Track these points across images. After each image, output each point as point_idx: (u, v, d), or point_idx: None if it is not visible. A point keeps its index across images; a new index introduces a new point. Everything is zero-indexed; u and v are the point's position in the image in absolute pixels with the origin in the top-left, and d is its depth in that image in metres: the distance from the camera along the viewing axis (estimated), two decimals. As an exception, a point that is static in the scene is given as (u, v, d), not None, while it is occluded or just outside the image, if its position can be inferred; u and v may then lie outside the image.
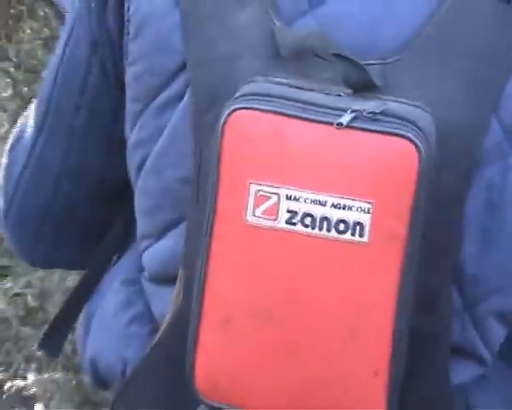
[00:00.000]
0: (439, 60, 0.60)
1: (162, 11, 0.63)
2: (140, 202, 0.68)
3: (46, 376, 1.50)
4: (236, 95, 0.55)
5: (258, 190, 0.54)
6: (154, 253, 0.68)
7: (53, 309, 1.61)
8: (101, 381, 0.76)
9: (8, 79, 1.58)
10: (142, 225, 0.69)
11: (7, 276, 1.67)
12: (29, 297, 1.65)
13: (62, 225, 0.78)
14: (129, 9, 0.64)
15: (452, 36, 0.60)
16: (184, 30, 0.62)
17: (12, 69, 1.56)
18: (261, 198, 0.54)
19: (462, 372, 0.65)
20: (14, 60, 1.59)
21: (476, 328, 0.64)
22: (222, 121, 0.53)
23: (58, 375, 1.51)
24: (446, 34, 0.60)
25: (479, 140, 0.59)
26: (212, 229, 0.55)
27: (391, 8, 0.60)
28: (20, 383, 1.54)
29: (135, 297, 0.73)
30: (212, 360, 0.58)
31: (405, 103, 0.55)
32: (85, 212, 0.77)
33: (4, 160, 0.79)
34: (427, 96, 0.57)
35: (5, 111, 1.60)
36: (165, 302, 0.66)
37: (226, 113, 0.53)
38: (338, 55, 0.56)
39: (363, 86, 0.56)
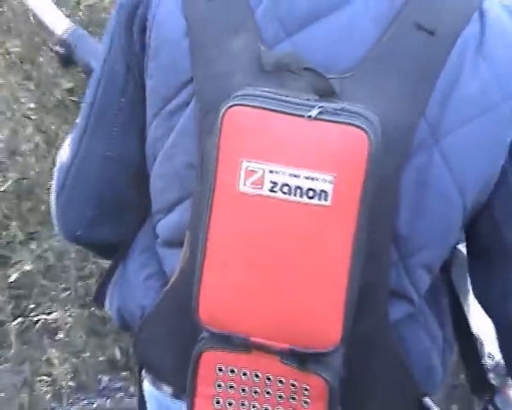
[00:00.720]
0: (382, 76, 0.70)
1: (175, 38, 0.74)
2: (154, 184, 0.79)
3: (67, 313, 2.01)
4: (231, 97, 0.65)
5: (248, 166, 0.64)
6: (166, 223, 0.78)
7: (69, 264, 2.07)
8: (125, 325, 0.88)
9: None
10: (156, 202, 0.79)
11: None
12: (50, 257, 2.14)
13: (103, 207, 0.87)
14: (150, 37, 0.76)
15: (392, 58, 0.70)
16: (192, 53, 0.73)
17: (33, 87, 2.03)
18: (250, 172, 0.64)
19: (397, 310, 0.75)
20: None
21: (408, 276, 0.74)
22: (221, 115, 0.64)
23: (75, 312, 2.01)
24: (387, 57, 0.70)
25: (411, 135, 0.69)
26: (212, 198, 0.65)
27: (348, 35, 0.71)
28: (47, 317, 2.02)
29: (149, 261, 0.84)
30: (211, 296, 0.68)
31: (358, 106, 0.65)
32: (123, 194, 0.86)
33: (61, 155, 0.89)
34: (373, 102, 0.67)
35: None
36: (175, 261, 0.77)
37: (224, 108, 0.64)
38: (307, 70, 0.66)
39: (326, 93, 0.66)
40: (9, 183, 2.07)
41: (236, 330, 0.68)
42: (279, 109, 0.64)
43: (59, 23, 1.18)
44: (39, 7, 1.20)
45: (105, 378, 2.32)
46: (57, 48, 1.13)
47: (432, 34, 0.71)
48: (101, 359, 2.03)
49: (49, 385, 2.07)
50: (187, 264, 0.73)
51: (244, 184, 0.65)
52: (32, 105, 2.02)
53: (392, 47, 0.70)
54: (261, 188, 0.64)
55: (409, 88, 0.70)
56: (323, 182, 0.64)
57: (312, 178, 0.64)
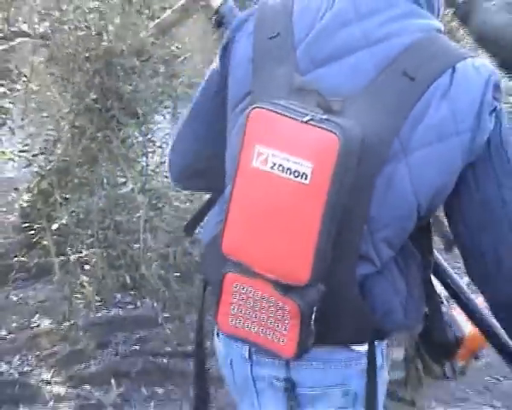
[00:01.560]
0: (372, 103, 0.91)
1: (243, 63, 1.03)
2: (228, 165, 1.06)
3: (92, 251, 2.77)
4: (260, 103, 0.89)
5: (259, 150, 0.87)
6: (227, 190, 1.03)
7: (92, 219, 2.76)
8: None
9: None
10: (226, 175, 1.07)
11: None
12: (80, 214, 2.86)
13: (199, 169, 1.19)
14: (229, 62, 1.07)
15: (381, 92, 0.92)
16: (253, 75, 1.00)
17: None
18: (259, 154, 0.87)
19: (363, 269, 0.95)
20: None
21: (373, 246, 0.95)
22: (247, 113, 0.89)
23: (97, 252, 2.73)
24: (378, 91, 0.92)
25: (387, 148, 0.90)
26: (237, 170, 0.90)
27: (354, 73, 0.94)
28: (79, 255, 2.75)
29: (222, 208, 1.01)
30: (230, 236, 0.92)
31: (341, 119, 0.86)
32: (211, 162, 1.14)
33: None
34: (362, 121, 0.89)
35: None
36: None
37: (250, 109, 0.89)
38: (318, 94, 0.90)
39: (327, 110, 0.88)
40: (52, 164, 2.82)
41: (245, 260, 0.91)
42: (285, 114, 0.87)
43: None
44: None
45: (118, 296, 3.15)
46: (213, 16, 1.35)
47: (412, 80, 0.91)
48: (115, 282, 2.78)
49: (81, 300, 2.75)
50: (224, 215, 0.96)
51: (255, 162, 0.88)
52: (68, 109, 2.77)
53: (383, 85, 0.92)
54: (265, 165, 0.87)
55: (389, 115, 0.90)
56: (305, 167, 0.85)
57: (298, 163, 0.85)
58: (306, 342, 0.94)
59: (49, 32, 2.71)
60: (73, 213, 2.85)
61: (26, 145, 2.83)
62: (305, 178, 0.86)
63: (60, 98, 2.79)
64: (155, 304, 2.91)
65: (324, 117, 0.87)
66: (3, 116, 2.91)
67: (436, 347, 1.27)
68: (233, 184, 0.92)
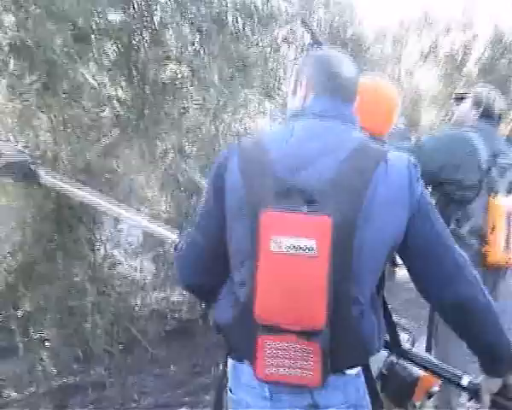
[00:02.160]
0: (338, 193, 1.24)
1: (237, 186, 1.33)
2: (236, 255, 1.36)
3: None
4: (264, 207, 1.23)
5: (274, 238, 1.22)
6: (238, 275, 1.35)
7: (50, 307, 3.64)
8: (218, 328, 1.41)
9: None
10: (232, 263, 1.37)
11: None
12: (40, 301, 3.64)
13: (206, 269, 1.45)
14: (224, 185, 1.35)
15: (342, 185, 1.25)
16: (245, 190, 1.30)
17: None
18: (275, 241, 1.22)
19: (354, 308, 1.28)
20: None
21: (360, 291, 1.29)
22: (260, 214, 1.23)
23: (54, 331, 3.51)
24: (339, 184, 1.26)
25: (355, 220, 1.23)
26: (258, 256, 1.23)
27: (319, 176, 1.27)
28: (40, 334, 3.52)
29: (230, 295, 1.38)
30: (261, 305, 1.25)
31: (327, 207, 1.21)
32: (217, 261, 1.41)
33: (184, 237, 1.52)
34: (336, 205, 1.22)
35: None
36: (243, 292, 1.32)
37: (261, 211, 1.24)
38: (301, 192, 1.24)
39: (311, 201, 1.23)
40: (18, 262, 3.56)
41: (275, 321, 1.25)
42: (288, 210, 1.23)
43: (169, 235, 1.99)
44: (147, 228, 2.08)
45: (74, 366, 3.78)
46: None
47: (360, 173, 1.29)
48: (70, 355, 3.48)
49: (41, 371, 3.48)
50: (248, 293, 1.29)
51: (273, 247, 1.22)
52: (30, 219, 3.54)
53: (342, 179, 1.26)
54: (281, 248, 1.22)
55: (352, 198, 1.25)
56: (311, 243, 1.19)
57: (306, 242, 1.20)
58: (326, 372, 1.27)
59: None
60: (35, 302, 3.50)
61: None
62: (313, 251, 1.21)
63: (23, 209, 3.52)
64: (103, 371, 3.59)
65: (314, 206, 1.22)
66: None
67: (396, 390, 1.55)
68: (256, 266, 1.25)
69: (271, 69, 3.84)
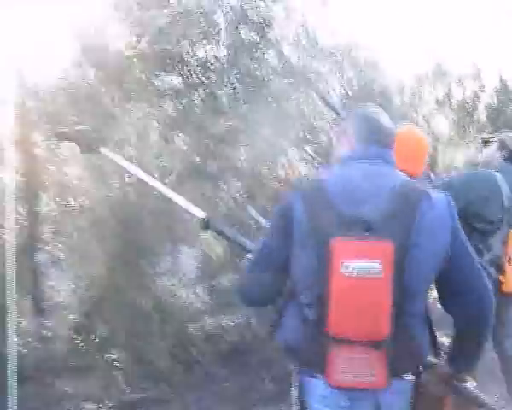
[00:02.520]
0: (391, 222, 1.45)
1: (303, 221, 1.51)
2: (303, 279, 1.55)
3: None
4: (333, 236, 1.44)
5: (344, 262, 1.42)
6: (305, 297, 1.53)
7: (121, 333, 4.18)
8: (287, 347, 1.60)
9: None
10: (299, 286, 1.55)
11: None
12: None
13: (266, 291, 1.66)
14: (289, 223, 1.54)
15: (399, 210, 1.46)
16: (311, 228, 1.49)
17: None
18: (345, 264, 1.42)
19: (408, 320, 1.50)
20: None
21: (412, 305, 1.51)
22: (331, 242, 1.44)
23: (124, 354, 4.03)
24: (393, 215, 1.46)
25: (406, 245, 1.43)
26: (330, 279, 1.43)
27: (374, 209, 1.47)
28: (112, 356, 4.06)
29: (297, 314, 1.56)
30: (334, 321, 1.44)
31: (385, 233, 1.43)
32: (277, 283, 1.63)
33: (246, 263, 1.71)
34: (391, 231, 1.43)
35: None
36: (312, 312, 1.51)
37: (332, 239, 1.44)
38: (361, 221, 1.46)
39: (369, 229, 1.45)
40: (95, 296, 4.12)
41: (348, 335, 1.45)
42: (355, 238, 1.43)
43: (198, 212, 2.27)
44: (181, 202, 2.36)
45: (142, 384, 4.28)
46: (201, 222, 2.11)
47: (409, 206, 1.46)
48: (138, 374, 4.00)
49: (114, 388, 4.06)
50: (318, 311, 1.48)
51: (343, 270, 1.40)
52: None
53: (396, 209, 1.46)
54: (351, 271, 1.40)
55: (404, 226, 1.44)
56: (377, 266, 1.38)
57: (371, 265, 1.38)
58: (390, 375, 1.47)
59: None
60: (108, 328, 4.07)
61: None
62: (378, 272, 1.38)
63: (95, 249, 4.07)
64: (167, 389, 4.07)
65: (374, 234, 1.40)
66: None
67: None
68: (327, 288, 1.43)
69: (308, 121, 4.41)
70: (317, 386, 1.53)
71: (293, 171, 4.16)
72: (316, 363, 1.52)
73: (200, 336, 4.23)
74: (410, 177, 1.61)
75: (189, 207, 2.36)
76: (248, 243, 2.16)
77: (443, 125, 5.02)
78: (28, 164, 4.10)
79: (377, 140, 1.62)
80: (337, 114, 3.20)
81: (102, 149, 2.90)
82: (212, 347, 4.21)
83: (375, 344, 1.44)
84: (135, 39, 3.78)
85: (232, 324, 4.38)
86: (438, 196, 1.54)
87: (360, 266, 1.39)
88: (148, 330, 4.07)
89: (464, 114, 4.84)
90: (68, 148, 3.90)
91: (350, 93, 4.37)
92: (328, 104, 3.61)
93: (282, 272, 1.58)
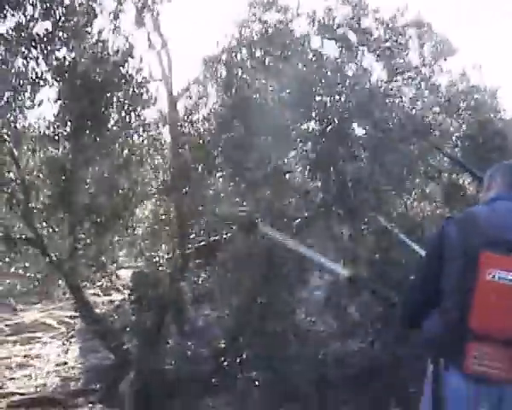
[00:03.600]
0: None
1: (455, 243, 1.88)
2: (450, 288, 1.87)
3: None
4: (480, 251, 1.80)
5: (489, 271, 1.78)
6: (450, 301, 1.86)
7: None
8: (427, 341, 1.98)
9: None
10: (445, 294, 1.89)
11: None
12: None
13: (422, 313, 1.97)
14: (442, 248, 1.91)
15: None
16: (463, 246, 1.84)
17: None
18: (490, 272, 1.78)
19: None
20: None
21: None
22: (479, 256, 1.79)
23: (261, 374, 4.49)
24: None
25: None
26: (477, 284, 1.78)
27: None
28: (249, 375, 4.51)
29: (437, 314, 1.91)
30: (477, 318, 1.79)
31: None
32: (428, 305, 1.94)
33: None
34: None
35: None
36: (456, 312, 1.82)
37: (480, 254, 1.80)
38: (507, 242, 1.81)
39: (510, 250, 1.80)
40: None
41: (486, 332, 1.77)
42: (499, 253, 1.77)
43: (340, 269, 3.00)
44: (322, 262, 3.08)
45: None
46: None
47: None
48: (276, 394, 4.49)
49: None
50: (462, 310, 1.79)
51: (488, 277, 1.77)
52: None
53: None
54: (495, 278, 1.76)
55: None
56: None
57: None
58: None
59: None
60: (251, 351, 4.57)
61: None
62: None
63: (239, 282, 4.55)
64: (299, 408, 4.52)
65: None
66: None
67: None
68: (473, 292, 1.74)
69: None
70: (452, 377, 1.83)
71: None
72: (452, 353, 1.83)
73: (328, 358, 4.64)
74: None
75: (335, 267, 2.89)
76: (392, 296, 2.58)
77: None
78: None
79: None
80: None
81: (261, 226, 3.40)
82: (341, 370, 4.61)
83: (509, 342, 1.75)
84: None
85: (356, 348, 4.79)
86: None
87: (502, 275, 1.73)
88: (285, 354, 4.50)
89: None
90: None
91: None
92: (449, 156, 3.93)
93: (435, 294, 1.91)
